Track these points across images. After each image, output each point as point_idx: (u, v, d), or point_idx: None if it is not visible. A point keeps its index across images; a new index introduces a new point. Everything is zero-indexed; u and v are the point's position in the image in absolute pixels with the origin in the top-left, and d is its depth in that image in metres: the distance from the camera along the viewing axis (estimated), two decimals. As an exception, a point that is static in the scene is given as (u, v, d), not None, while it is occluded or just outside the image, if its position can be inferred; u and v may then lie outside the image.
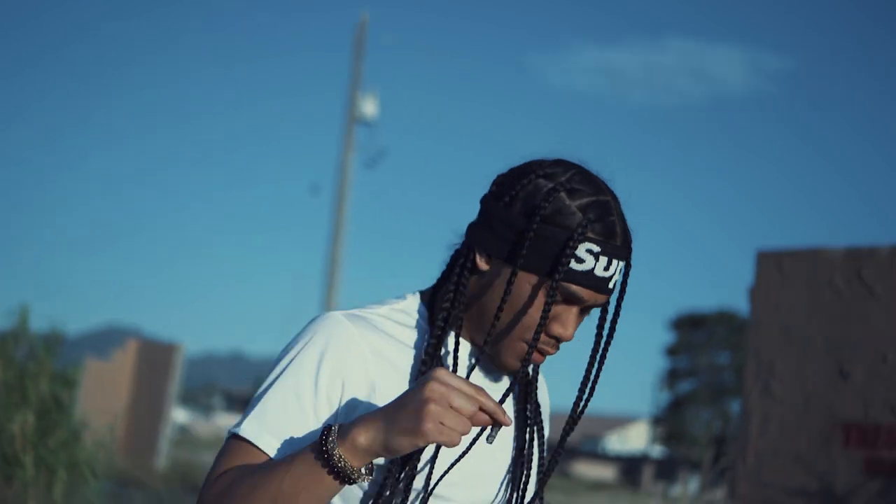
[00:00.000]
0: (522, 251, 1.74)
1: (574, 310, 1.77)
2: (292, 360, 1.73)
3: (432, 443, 1.56)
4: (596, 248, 1.73)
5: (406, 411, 1.56)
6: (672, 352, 50.92)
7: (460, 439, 1.56)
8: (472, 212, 1.85)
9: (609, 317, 1.81)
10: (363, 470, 1.60)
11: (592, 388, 1.83)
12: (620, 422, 64.64)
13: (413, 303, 1.86)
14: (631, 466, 52.35)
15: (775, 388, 5.32)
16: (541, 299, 1.75)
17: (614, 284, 1.78)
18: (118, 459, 13.78)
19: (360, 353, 1.74)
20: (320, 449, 1.58)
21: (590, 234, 1.74)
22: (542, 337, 1.78)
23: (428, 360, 1.77)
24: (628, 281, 1.81)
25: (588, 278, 1.74)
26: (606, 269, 1.75)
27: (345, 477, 1.58)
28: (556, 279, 1.72)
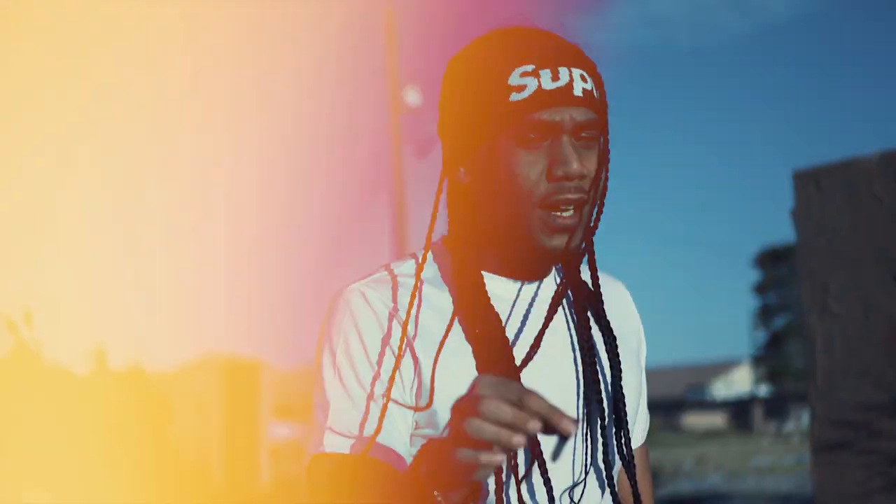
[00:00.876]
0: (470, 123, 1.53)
1: (563, 140, 1.51)
2: (332, 356, 1.53)
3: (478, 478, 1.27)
4: (529, 67, 1.50)
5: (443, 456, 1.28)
6: (761, 289, 50.38)
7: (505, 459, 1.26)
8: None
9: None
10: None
11: (599, 214, 1.57)
12: (723, 367, 64.12)
13: (438, 249, 1.64)
14: (740, 410, 51.93)
15: (834, 307, 5.25)
16: (518, 150, 1.51)
17: (584, 92, 1.51)
18: (217, 483, 13.97)
19: (383, 318, 1.54)
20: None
21: (516, 59, 1.51)
22: (551, 187, 1.51)
23: (466, 300, 1.54)
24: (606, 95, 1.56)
25: (540, 97, 1.49)
26: (555, 78, 1.50)
27: None
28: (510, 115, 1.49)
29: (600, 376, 1.62)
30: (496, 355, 1.52)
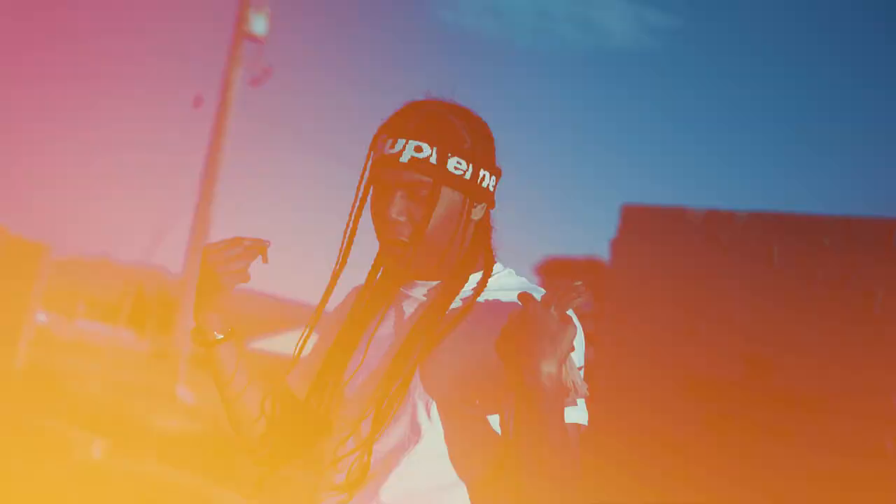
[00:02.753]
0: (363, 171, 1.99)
1: (395, 193, 1.92)
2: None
3: (221, 282, 1.95)
4: (385, 136, 1.93)
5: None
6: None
7: (238, 268, 1.95)
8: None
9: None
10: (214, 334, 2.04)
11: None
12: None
13: None
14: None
15: (627, 337, 5.40)
16: (377, 194, 1.96)
17: (411, 160, 1.89)
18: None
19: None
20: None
21: (385, 128, 1.94)
22: (379, 224, 1.95)
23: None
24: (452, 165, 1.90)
25: (380, 160, 1.93)
26: (392, 147, 1.91)
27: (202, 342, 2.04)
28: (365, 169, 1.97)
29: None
30: (340, 335, 2.05)
